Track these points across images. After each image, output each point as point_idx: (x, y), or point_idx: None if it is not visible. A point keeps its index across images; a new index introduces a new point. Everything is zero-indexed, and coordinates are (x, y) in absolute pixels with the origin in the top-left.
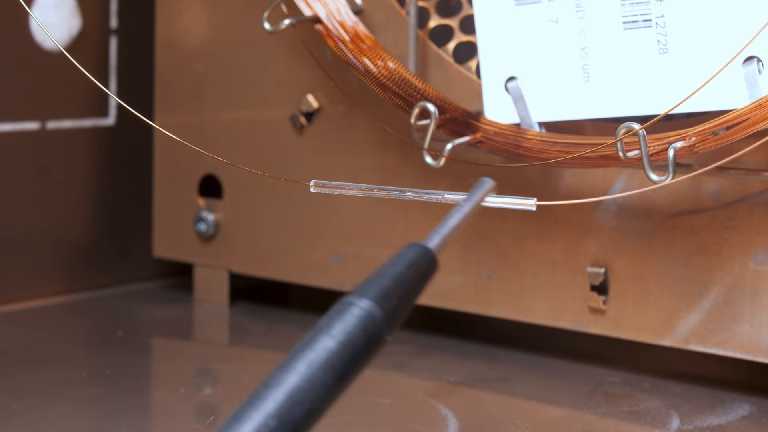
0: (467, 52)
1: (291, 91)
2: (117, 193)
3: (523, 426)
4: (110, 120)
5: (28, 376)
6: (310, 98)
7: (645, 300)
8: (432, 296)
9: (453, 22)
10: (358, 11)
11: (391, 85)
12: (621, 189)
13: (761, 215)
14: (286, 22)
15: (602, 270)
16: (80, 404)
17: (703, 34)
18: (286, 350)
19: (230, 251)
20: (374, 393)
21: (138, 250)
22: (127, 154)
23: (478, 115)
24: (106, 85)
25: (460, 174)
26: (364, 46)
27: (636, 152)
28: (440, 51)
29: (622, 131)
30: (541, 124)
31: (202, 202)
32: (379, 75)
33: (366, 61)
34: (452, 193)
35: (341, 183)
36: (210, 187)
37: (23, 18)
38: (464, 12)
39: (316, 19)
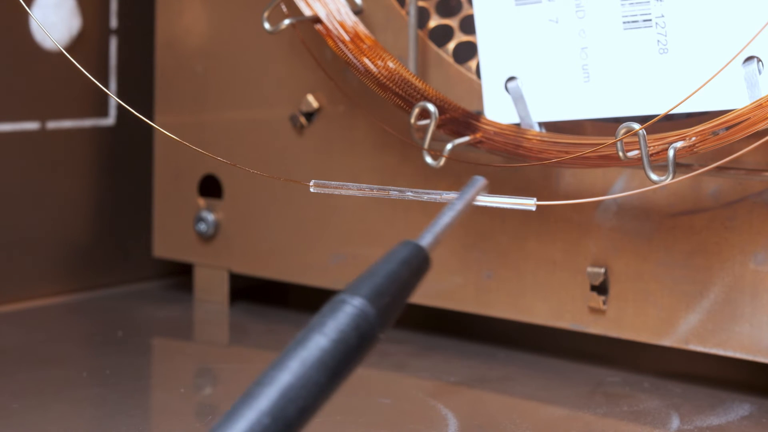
0: (467, 52)
1: (291, 91)
2: (117, 193)
3: (523, 426)
4: (110, 120)
5: (28, 376)
6: (310, 98)
7: (645, 300)
8: (432, 296)
9: (453, 22)
10: (358, 11)
11: (391, 85)
12: (621, 189)
13: (761, 215)
14: (286, 22)
15: (602, 270)
16: (80, 404)
17: (703, 34)
18: None
19: (230, 251)
20: (374, 393)
21: (138, 250)
22: (127, 154)
23: (478, 115)
24: (106, 85)
25: (460, 174)
26: (364, 46)
27: (636, 152)
28: (440, 51)
29: (622, 131)
30: (541, 124)
31: (202, 202)
32: (379, 75)
33: (366, 61)
34: (451, 192)
35: (341, 183)
36: (210, 187)
37: (23, 18)
38: (464, 12)
39: (316, 19)
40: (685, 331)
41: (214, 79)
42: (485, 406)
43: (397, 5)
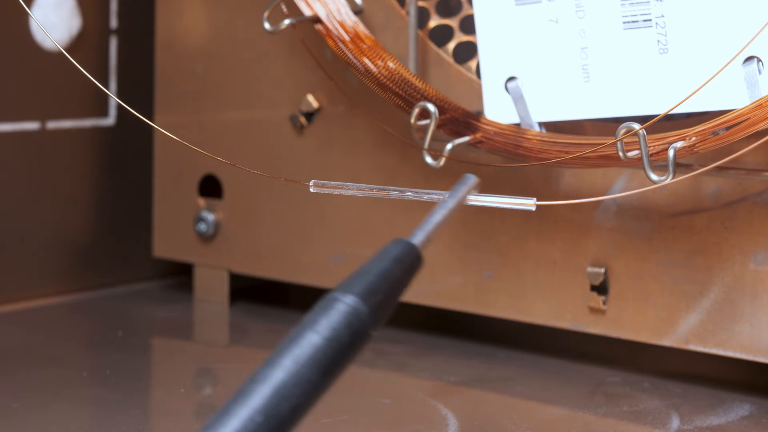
0: (467, 52)
1: (291, 91)
2: (117, 193)
3: (523, 426)
4: (110, 120)
5: (28, 376)
6: (310, 98)
7: (645, 300)
8: (432, 296)
9: (453, 22)
10: (358, 11)
11: (391, 85)
12: (621, 189)
13: (761, 215)
14: (286, 22)
15: (602, 270)
16: (80, 404)
17: (703, 34)
18: None
19: (230, 251)
20: (374, 393)
21: (138, 250)
22: (127, 154)
23: (478, 115)
24: (106, 85)
25: (460, 174)
26: (364, 46)
27: (636, 152)
28: (440, 51)
29: (622, 131)
30: (541, 124)
31: (202, 202)
32: (379, 75)
33: (366, 61)
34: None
35: (341, 183)
36: (210, 187)
37: (23, 18)
38: (464, 12)
39: (316, 19)
40: (685, 331)
41: (214, 79)
42: (485, 406)
43: (397, 5)
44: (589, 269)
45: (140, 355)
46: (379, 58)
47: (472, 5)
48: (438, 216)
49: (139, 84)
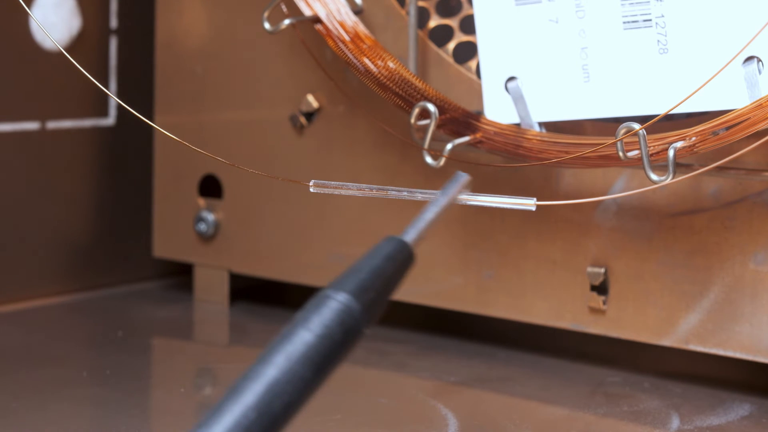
0: (467, 52)
1: (291, 91)
2: (117, 193)
3: (523, 426)
4: (110, 120)
5: (28, 376)
6: (310, 98)
7: (645, 300)
8: (432, 296)
9: (453, 22)
10: (358, 11)
11: (391, 85)
12: (621, 189)
13: (761, 215)
14: (286, 22)
15: (602, 270)
16: (80, 404)
17: (703, 34)
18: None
19: (230, 251)
20: (374, 393)
21: (138, 250)
22: (127, 154)
23: (478, 115)
24: (106, 85)
25: None
26: (364, 46)
27: (636, 152)
28: (440, 51)
29: (622, 131)
30: (541, 124)
31: (202, 202)
32: (379, 75)
33: (366, 61)
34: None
35: (341, 183)
36: (210, 187)
37: (23, 18)
38: (464, 12)
39: (316, 19)
40: (685, 331)
41: (214, 80)
42: (485, 406)
43: (397, 5)
44: (589, 269)
45: (140, 355)
46: (379, 58)
47: (472, 5)
48: (430, 214)
49: (139, 84)
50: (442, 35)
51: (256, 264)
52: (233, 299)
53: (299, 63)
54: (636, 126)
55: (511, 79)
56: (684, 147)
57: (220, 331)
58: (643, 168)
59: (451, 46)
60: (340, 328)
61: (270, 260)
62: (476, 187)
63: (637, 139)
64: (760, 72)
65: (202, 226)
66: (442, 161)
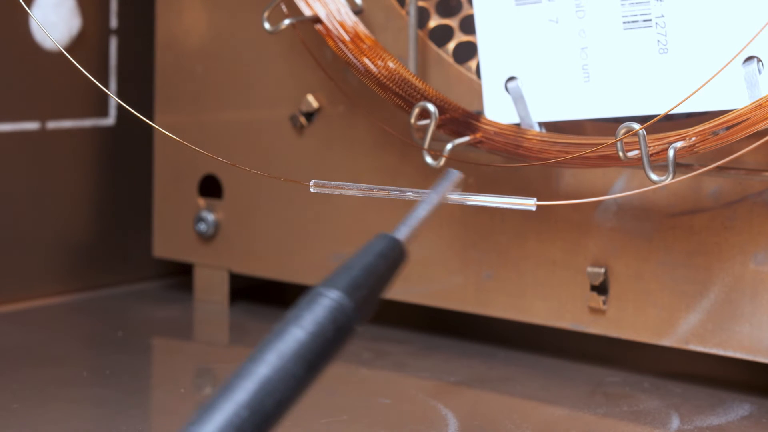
0: (467, 52)
1: (291, 91)
2: (117, 193)
3: (523, 426)
4: (110, 120)
5: (28, 376)
6: (310, 98)
7: (645, 300)
8: (432, 296)
9: (453, 22)
10: (358, 11)
11: (391, 85)
12: (621, 189)
13: (761, 215)
14: (286, 22)
15: (602, 270)
16: (80, 404)
17: (703, 34)
18: None
19: (230, 251)
20: (374, 393)
21: (138, 250)
22: (127, 154)
23: (478, 115)
24: (106, 85)
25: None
26: (364, 46)
27: (636, 152)
28: (440, 51)
29: (622, 131)
30: (541, 124)
31: (202, 202)
32: (379, 75)
33: (366, 61)
34: (455, 194)
35: (341, 183)
36: (210, 187)
37: (23, 18)
38: (464, 12)
39: (316, 19)
40: (685, 331)
41: (214, 80)
42: (485, 406)
43: (397, 5)
44: (589, 269)
45: (140, 355)
46: (379, 58)
47: (472, 5)
48: (422, 211)
49: (139, 84)
50: (442, 35)
51: (255, 264)
52: (233, 299)
53: (299, 63)
54: (636, 126)
55: (511, 79)
56: (684, 147)
57: (220, 331)
58: (643, 168)
59: (451, 46)
60: (332, 325)
61: (270, 260)
62: (476, 187)
63: (637, 139)
64: (760, 72)
65: (202, 226)
66: (442, 161)
